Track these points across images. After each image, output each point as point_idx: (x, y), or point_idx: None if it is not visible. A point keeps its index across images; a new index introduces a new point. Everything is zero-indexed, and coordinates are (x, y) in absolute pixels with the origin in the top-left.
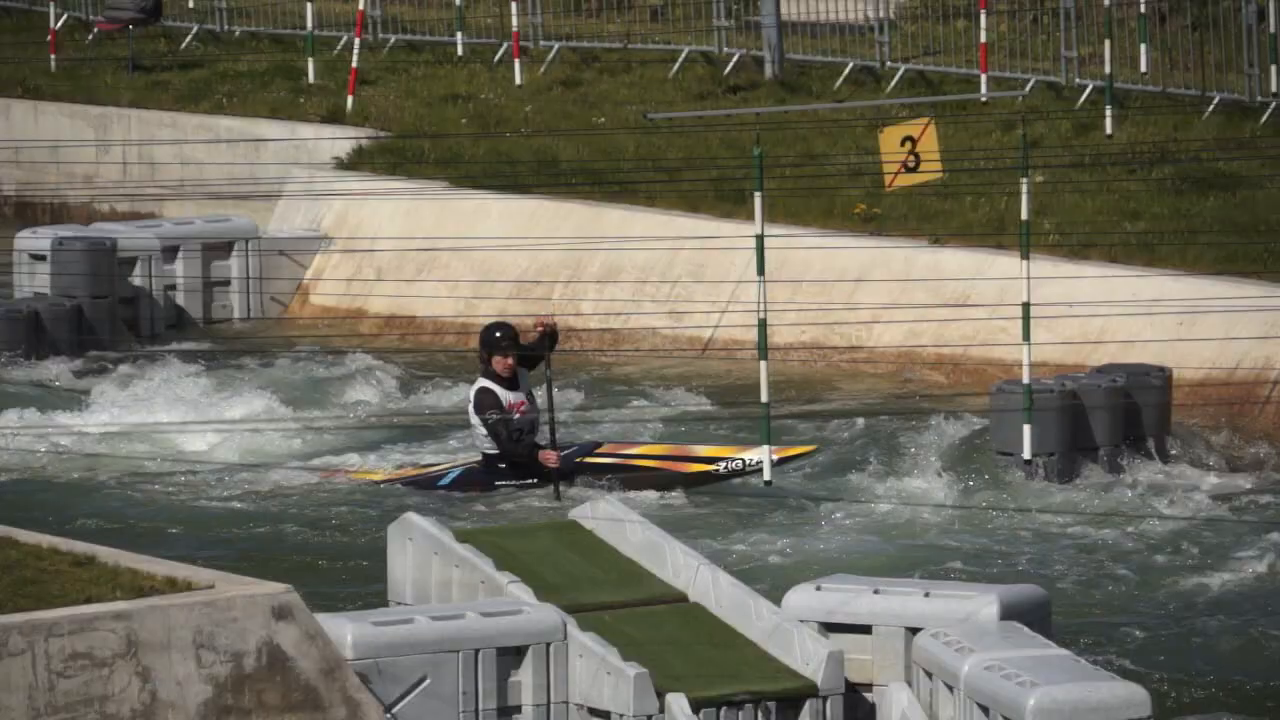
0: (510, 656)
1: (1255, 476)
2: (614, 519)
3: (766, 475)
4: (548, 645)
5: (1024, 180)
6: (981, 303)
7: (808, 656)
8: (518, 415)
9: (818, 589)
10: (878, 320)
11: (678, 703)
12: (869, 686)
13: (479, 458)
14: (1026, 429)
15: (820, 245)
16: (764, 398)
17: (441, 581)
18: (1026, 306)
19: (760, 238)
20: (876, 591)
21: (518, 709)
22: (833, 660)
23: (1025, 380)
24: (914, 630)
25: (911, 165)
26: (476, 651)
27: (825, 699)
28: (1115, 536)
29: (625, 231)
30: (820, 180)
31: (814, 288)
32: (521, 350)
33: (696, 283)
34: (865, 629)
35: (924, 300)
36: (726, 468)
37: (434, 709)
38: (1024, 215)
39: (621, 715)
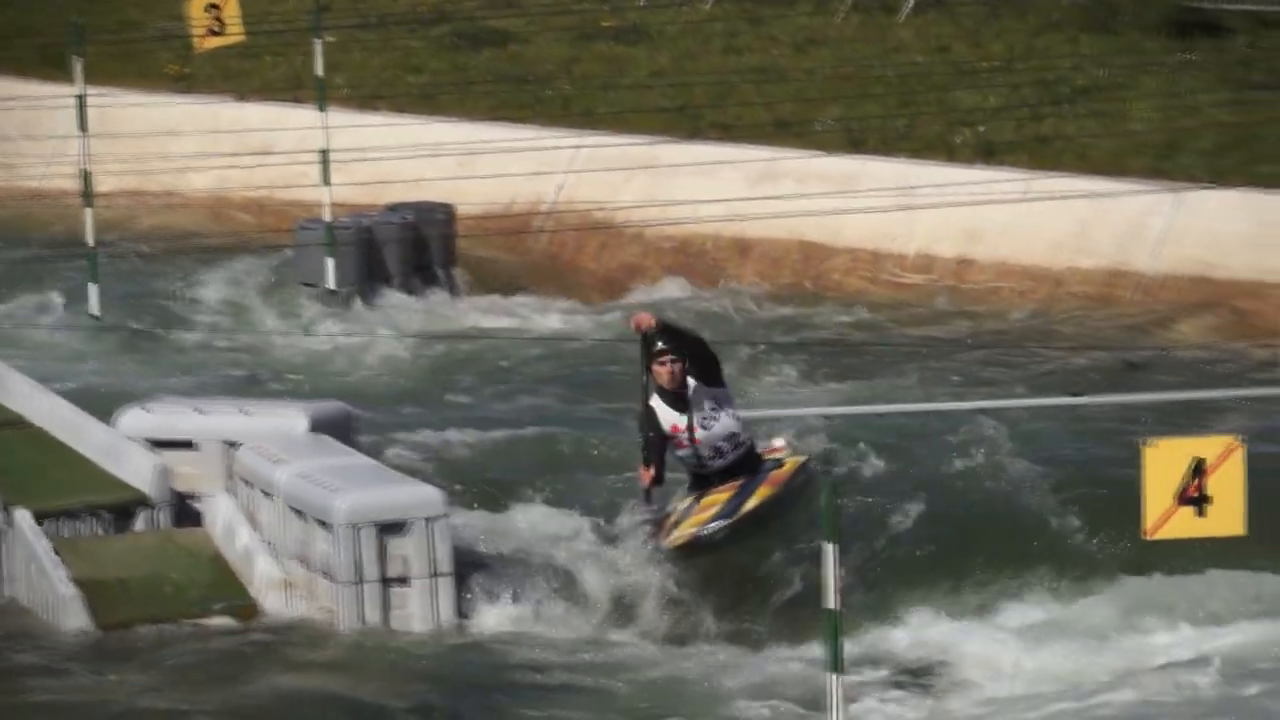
0: None
1: (535, 299)
2: None
3: (94, 310)
4: None
5: (316, 41)
6: (283, 150)
7: (138, 470)
8: (680, 441)
9: (146, 410)
10: (190, 168)
11: (21, 516)
12: (195, 496)
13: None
14: (329, 262)
15: (137, 103)
16: (90, 241)
17: None
18: (324, 153)
19: (81, 98)
20: (199, 411)
21: None
22: (160, 473)
23: (326, 219)
24: (233, 444)
25: (217, 29)
26: None
27: (155, 508)
28: (411, 351)
29: None
30: (136, 45)
31: (133, 141)
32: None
33: (26, 139)
34: (189, 444)
35: (232, 149)
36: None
37: None
38: (318, 72)
39: None
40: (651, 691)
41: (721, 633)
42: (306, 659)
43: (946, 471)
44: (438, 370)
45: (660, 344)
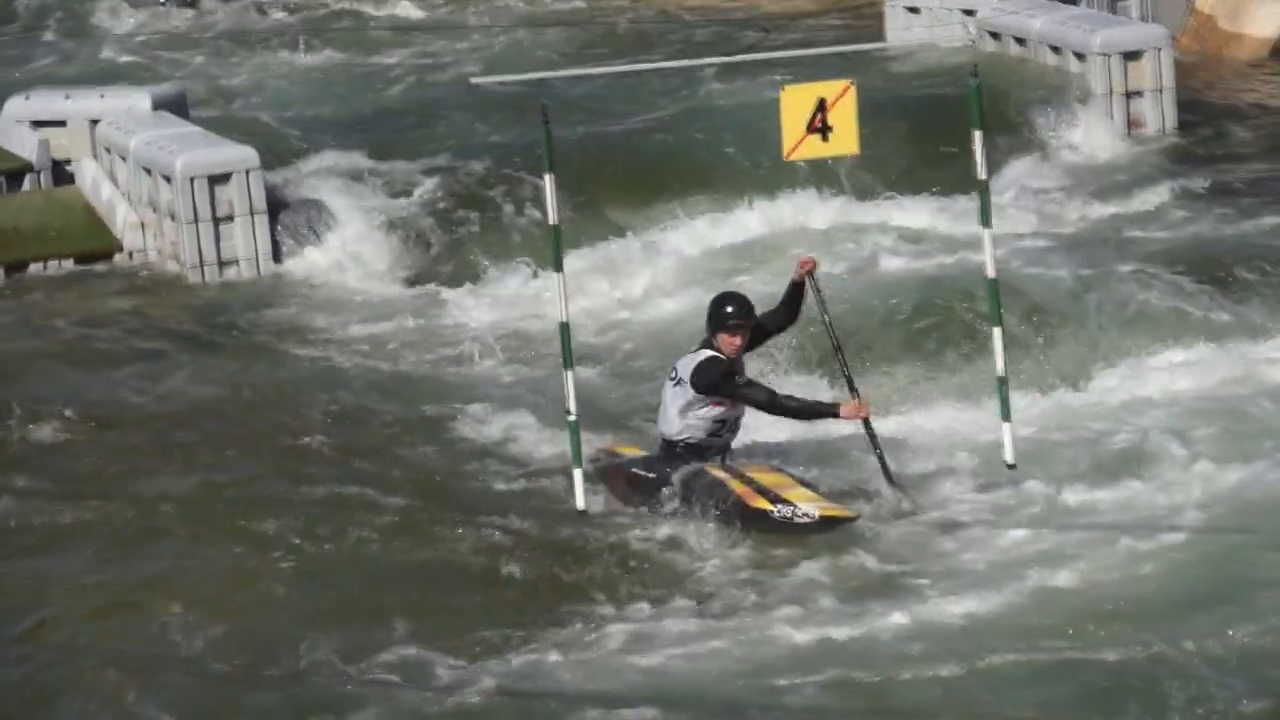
0: None
1: None
2: None
3: None
4: None
5: None
6: None
7: (24, 144)
8: (722, 408)
9: (26, 98)
10: None
11: None
12: (68, 162)
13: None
14: None
15: None
16: None
17: None
18: None
19: None
20: (67, 97)
21: None
22: (41, 145)
23: None
24: (95, 121)
25: None
26: None
27: (39, 171)
28: (233, 42)
29: None
30: None
31: None
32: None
33: None
34: (62, 123)
35: None
36: (780, 514)
37: None
38: None
39: None
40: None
41: None
42: (157, 280)
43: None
44: (257, 54)
45: (737, 320)
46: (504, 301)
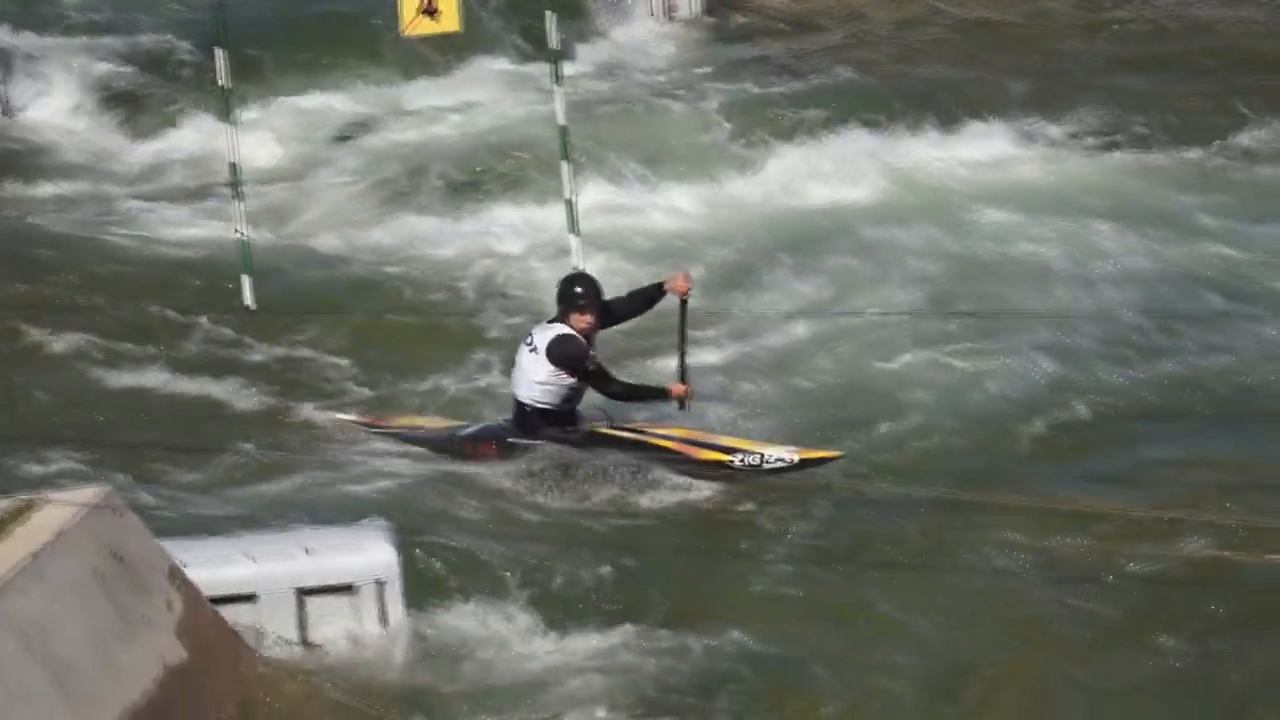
0: None
1: None
2: None
3: None
4: None
5: None
6: None
7: None
8: (576, 378)
9: None
10: None
11: None
12: None
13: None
14: None
15: None
16: None
17: None
18: None
19: None
20: None
21: None
22: None
23: None
24: None
25: None
26: None
27: None
28: None
29: None
30: None
31: None
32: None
33: None
34: None
35: None
36: (744, 462)
37: None
38: None
39: None
40: None
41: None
42: None
43: None
44: None
45: (586, 299)
46: (186, 148)
